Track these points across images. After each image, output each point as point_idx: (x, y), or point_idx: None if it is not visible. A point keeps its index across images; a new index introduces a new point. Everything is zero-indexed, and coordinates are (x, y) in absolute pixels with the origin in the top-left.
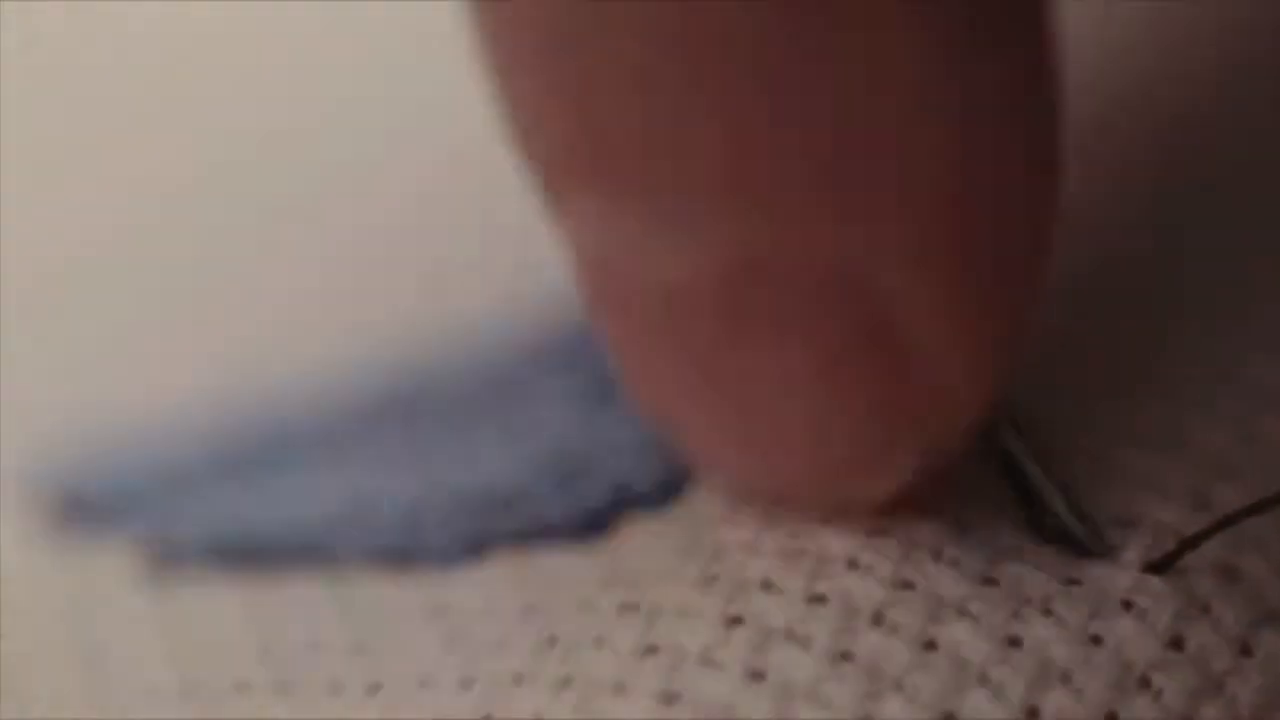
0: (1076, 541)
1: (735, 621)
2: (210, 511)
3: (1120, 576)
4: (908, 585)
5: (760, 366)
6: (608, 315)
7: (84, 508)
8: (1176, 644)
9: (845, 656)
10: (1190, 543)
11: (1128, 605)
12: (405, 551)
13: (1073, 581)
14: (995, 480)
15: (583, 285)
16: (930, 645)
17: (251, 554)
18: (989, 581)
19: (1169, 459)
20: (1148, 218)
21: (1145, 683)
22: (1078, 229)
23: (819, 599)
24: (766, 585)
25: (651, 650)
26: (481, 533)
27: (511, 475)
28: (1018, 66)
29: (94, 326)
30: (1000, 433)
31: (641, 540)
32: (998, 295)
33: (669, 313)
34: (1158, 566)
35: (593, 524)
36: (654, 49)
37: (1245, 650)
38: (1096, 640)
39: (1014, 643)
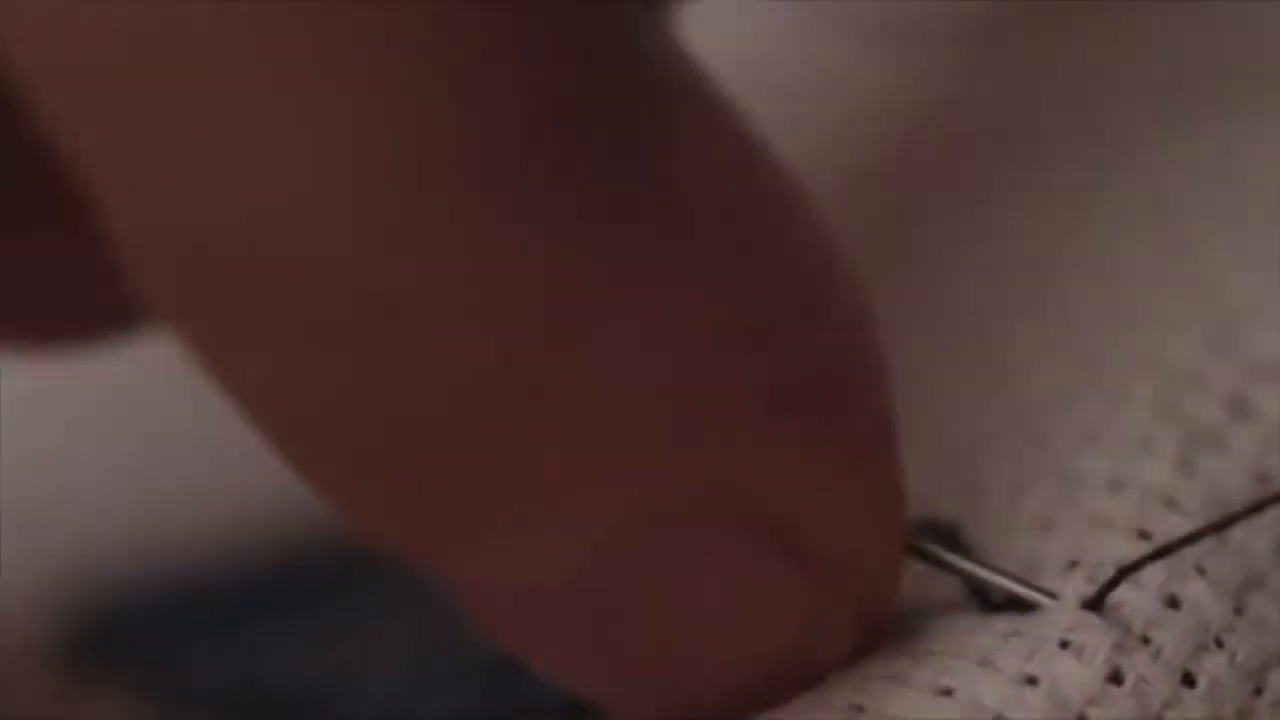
0: (1022, 601)
1: None
2: (218, 656)
3: (1059, 617)
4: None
5: (668, 608)
6: (499, 622)
7: (97, 645)
8: (1115, 678)
9: None
10: (1124, 574)
11: (1065, 644)
12: None
13: (1013, 634)
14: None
15: (454, 595)
16: (858, 709)
17: (253, 706)
18: (926, 652)
19: (1110, 500)
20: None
21: (1082, 719)
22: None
23: None
24: None
25: None
26: (475, 705)
27: None
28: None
29: (126, 457)
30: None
31: None
32: (872, 459)
33: (568, 597)
34: (1094, 602)
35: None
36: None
37: (1188, 680)
38: (1031, 681)
39: (945, 693)
